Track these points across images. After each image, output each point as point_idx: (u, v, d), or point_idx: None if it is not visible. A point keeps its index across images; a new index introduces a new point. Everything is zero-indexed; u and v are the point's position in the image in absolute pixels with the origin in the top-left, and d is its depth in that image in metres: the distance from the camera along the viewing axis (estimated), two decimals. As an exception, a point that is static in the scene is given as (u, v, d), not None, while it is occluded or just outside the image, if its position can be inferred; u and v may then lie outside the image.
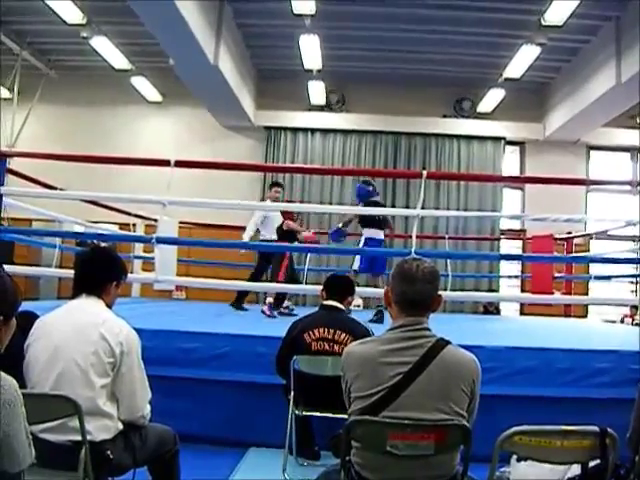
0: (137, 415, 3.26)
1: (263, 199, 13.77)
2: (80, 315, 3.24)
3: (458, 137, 16.88)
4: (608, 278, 12.27)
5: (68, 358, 3.07)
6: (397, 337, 2.77)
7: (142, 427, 3.33)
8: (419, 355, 2.70)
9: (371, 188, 9.10)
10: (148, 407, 3.34)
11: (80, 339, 3.11)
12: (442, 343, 2.77)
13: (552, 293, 9.90)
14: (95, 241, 12.85)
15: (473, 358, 2.80)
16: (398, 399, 2.65)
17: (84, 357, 3.07)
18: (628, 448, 3.26)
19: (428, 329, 2.82)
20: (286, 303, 9.28)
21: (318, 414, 4.54)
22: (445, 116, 16.81)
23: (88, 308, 3.28)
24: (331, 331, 4.73)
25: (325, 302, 5.00)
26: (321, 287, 5.21)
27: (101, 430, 3.08)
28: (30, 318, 3.59)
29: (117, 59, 15.18)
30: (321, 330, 4.74)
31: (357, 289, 6.50)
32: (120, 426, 3.19)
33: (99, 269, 3.41)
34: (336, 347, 4.66)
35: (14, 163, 8.29)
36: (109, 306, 3.38)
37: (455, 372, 2.72)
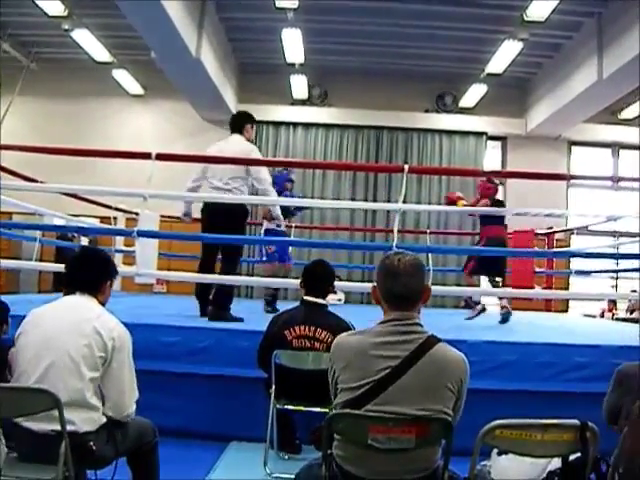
0: (123, 414, 3.29)
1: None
2: (75, 309, 3.29)
3: (440, 132, 16.93)
4: (588, 273, 12.33)
5: (60, 349, 3.10)
6: (388, 330, 2.76)
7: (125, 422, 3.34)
8: (409, 350, 2.69)
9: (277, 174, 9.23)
10: (134, 406, 3.36)
11: (74, 331, 3.15)
12: (433, 340, 2.76)
13: (533, 288, 9.93)
14: (76, 234, 12.86)
15: (463, 358, 2.79)
16: (384, 393, 2.64)
17: (76, 349, 3.11)
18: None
19: (420, 325, 2.81)
20: None
21: (299, 408, 4.53)
22: (427, 111, 16.84)
23: (83, 304, 3.34)
24: (312, 329, 4.69)
25: (305, 297, 4.95)
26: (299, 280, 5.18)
27: (86, 422, 3.10)
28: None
29: (98, 52, 15.12)
30: (302, 327, 4.71)
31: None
32: (104, 419, 3.21)
33: (95, 269, 3.48)
34: (317, 344, 4.64)
35: (-6, 156, 8.21)
36: (103, 304, 3.44)
37: (443, 370, 2.71)
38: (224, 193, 6.88)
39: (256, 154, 7.25)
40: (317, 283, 4.99)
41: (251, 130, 7.47)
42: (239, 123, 7.42)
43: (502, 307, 8.56)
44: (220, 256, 7.22)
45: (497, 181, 9.04)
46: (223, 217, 6.79)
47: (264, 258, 8.90)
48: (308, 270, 5.16)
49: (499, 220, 8.75)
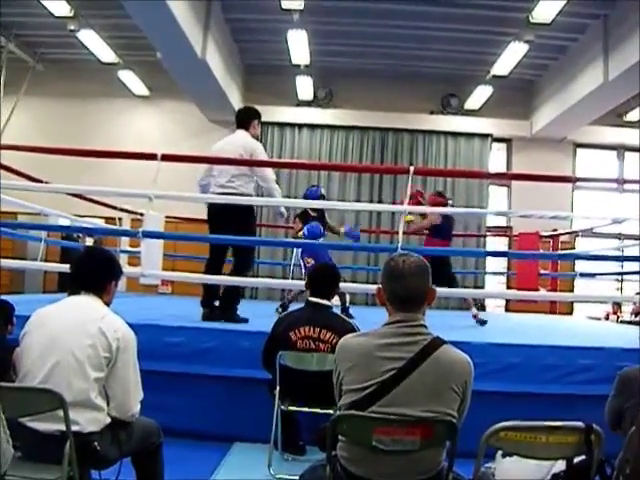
0: (128, 415, 3.29)
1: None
2: (80, 309, 3.30)
3: (445, 133, 16.91)
4: (593, 275, 12.32)
5: (65, 349, 3.11)
6: (393, 332, 2.76)
7: (129, 422, 3.34)
8: (414, 352, 2.69)
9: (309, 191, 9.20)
10: (138, 406, 3.36)
11: (79, 331, 3.15)
12: (438, 342, 2.76)
13: (537, 290, 9.92)
14: (81, 235, 12.87)
15: (467, 359, 2.78)
16: (389, 395, 2.64)
17: (81, 349, 3.11)
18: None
19: (424, 326, 2.81)
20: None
21: (304, 409, 4.54)
22: (432, 112, 16.81)
23: (88, 304, 3.34)
24: (316, 330, 4.70)
25: (310, 299, 4.96)
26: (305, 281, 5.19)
27: (90, 422, 3.11)
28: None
29: (104, 52, 15.14)
30: (307, 329, 4.72)
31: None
32: (108, 420, 3.22)
33: (100, 268, 3.48)
34: (321, 346, 4.65)
35: (-1, 156, 8.22)
36: (107, 304, 3.44)
37: (448, 372, 2.71)
38: (228, 191, 6.82)
39: (262, 154, 7.14)
40: (322, 284, 5.00)
41: (257, 126, 7.33)
42: (246, 118, 7.25)
43: (474, 316, 8.51)
44: (231, 256, 7.14)
45: (448, 196, 9.04)
46: (227, 216, 6.74)
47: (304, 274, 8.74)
48: (313, 272, 5.19)
49: (446, 236, 8.79)
